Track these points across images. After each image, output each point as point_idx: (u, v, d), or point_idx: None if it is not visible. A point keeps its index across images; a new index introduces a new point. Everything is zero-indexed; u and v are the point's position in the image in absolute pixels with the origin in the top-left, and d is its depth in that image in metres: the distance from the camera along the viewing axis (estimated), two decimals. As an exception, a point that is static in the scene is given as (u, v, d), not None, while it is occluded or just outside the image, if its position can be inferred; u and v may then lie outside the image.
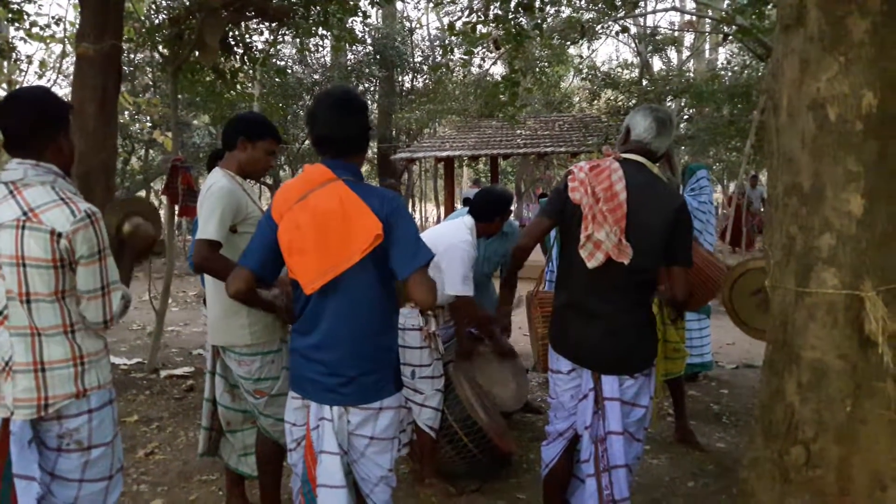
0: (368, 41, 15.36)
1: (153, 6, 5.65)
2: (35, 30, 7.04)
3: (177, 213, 5.64)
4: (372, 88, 17.06)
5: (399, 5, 16.71)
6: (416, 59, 17.26)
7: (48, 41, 7.32)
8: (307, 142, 18.08)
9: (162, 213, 6.18)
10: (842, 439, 2.00)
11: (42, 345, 2.04)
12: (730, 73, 15.17)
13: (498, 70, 16.69)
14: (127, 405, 4.78)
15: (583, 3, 8.66)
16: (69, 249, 2.01)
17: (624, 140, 2.70)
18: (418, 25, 15.95)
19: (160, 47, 5.73)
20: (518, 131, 13.26)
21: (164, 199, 5.99)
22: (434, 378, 3.51)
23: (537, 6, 4.84)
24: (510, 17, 4.78)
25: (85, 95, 4.86)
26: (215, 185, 2.88)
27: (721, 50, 19.31)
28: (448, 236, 3.61)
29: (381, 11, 15.04)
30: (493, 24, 5.08)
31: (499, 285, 4.74)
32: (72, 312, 2.08)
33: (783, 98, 2.19)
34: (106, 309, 2.11)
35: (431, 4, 19.45)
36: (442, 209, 19.18)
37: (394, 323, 2.32)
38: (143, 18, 5.80)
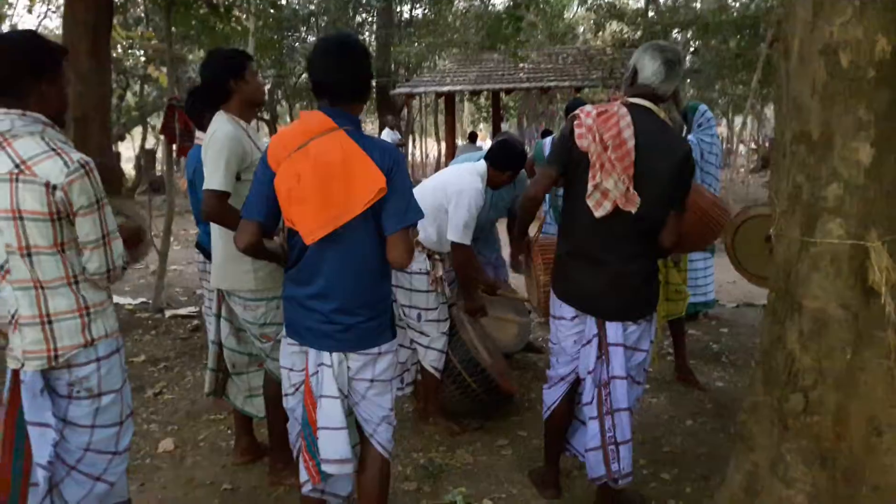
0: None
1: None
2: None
3: (174, 152, 5.57)
4: (370, 19, 16.64)
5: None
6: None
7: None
8: (304, 75, 17.78)
9: (159, 151, 6.15)
10: (840, 387, 2.03)
11: (47, 297, 2.04)
12: (738, 4, 14.76)
13: (501, 0, 16.27)
14: (133, 345, 4.85)
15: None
16: (66, 201, 1.99)
17: (631, 82, 2.63)
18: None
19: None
20: (521, 65, 12.98)
21: (161, 137, 5.92)
22: (440, 321, 3.54)
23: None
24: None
25: (76, 33, 4.74)
26: (218, 131, 2.84)
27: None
28: (459, 181, 3.57)
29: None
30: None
31: (505, 229, 4.74)
32: (73, 264, 2.08)
33: (794, 41, 2.13)
34: (108, 258, 2.11)
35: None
36: (443, 145, 18.98)
37: (389, 271, 2.33)
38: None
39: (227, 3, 5.93)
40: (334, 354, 2.23)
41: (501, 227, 4.57)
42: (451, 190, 3.56)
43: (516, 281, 4.76)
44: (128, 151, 20.24)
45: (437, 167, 20.52)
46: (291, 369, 2.36)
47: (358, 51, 2.25)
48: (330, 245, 2.17)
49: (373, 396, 2.31)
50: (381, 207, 2.14)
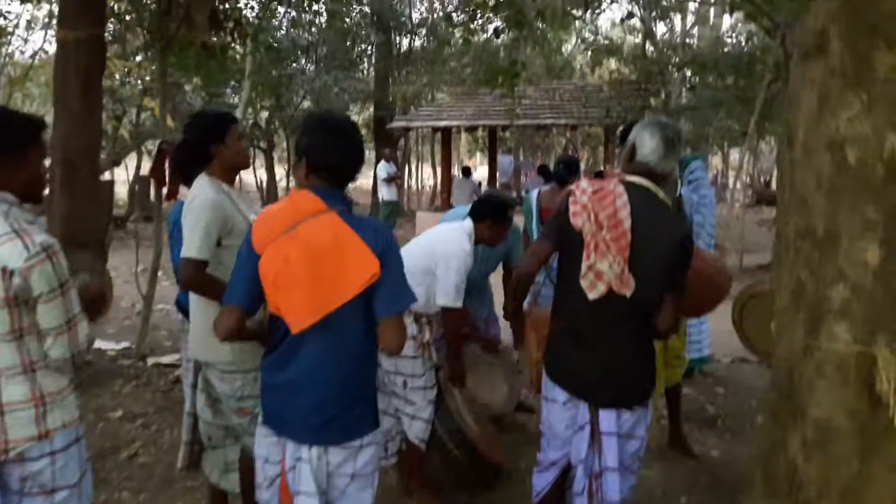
0: (365, 1, 14.95)
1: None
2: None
3: (164, 197, 5.46)
4: (369, 51, 16.68)
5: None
6: (414, 21, 16.86)
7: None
8: (303, 103, 17.78)
9: (152, 191, 6.05)
10: (846, 500, 1.91)
11: (0, 386, 1.93)
12: (734, 41, 14.84)
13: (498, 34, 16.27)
14: (112, 399, 4.70)
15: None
16: (24, 287, 1.88)
17: (629, 157, 2.54)
18: (417, -14, 15.50)
19: (146, 24, 5.48)
20: (518, 100, 12.97)
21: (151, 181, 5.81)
22: (426, 389, 3.41)
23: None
24: (511, 3, 4.56)
25: (67, 76, 4.65)
26: (199, 197, 2.76)
27: (725, 16, 18.90)
28: (447, 242, 3.48)
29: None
30: (492, 13, 4.86)
31: (502, 283, 4.63)
32: (32, 350, 1.96)
33: (799, 131, 2.04)
34: (73, 343, 2.00)
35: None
36: (438, 177, 18.96)
37: (375, 358, 2.23)
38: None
39: (222, 44, 5.87)
40: (314, 448, 2.10)
41: (494, 280, 4.47)
42: (439, 252, 3.46)
43: (509, 338, 4.63)
44: (122, 175, 20.18)
45: (433, 197, 20.48)
46: (267, 460, 2.24)
47: (358, 133, 2.22)
48: (315, 330, 2.06)
49: (354, 492, 2.17)
50: (374, 291, 2.04)
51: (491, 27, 5.33)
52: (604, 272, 2.33)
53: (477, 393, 3.91)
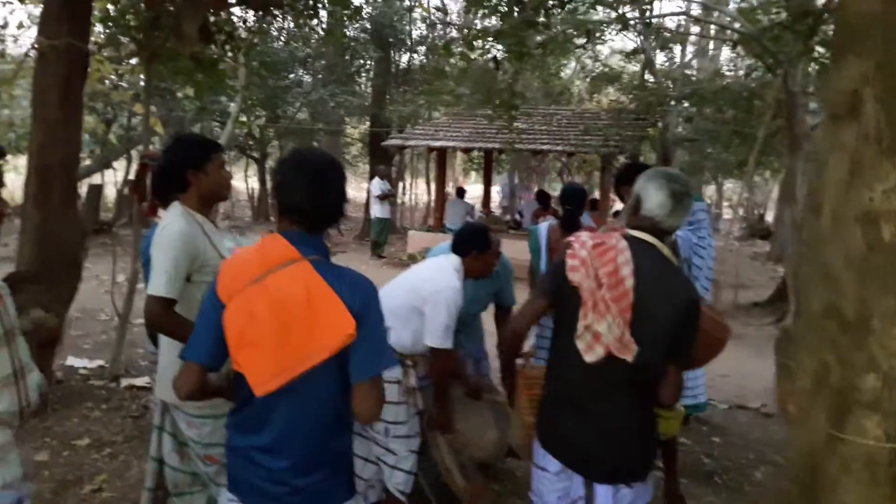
0: (364, 16, 14.83)
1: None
2: None
3: (144, 212, 5.26)
4: (367, 66, 16.57)
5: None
6: (413, 38, 16.78)
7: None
8: (298, 114, 17.61)
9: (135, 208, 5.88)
10: None
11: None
12: (734, 74, 14.83)
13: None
14: (80, 423, 4.45)
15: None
16: None
17: (633, 210, 2.36)
18: (417, 4, 15.40)
19: (133, 33, 5.29)
20: (514, 124, 12.87)
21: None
22: (410, 437, 3.21)
23: (541, 21, 4.47)
24: (513, 34, 4.42)
25: (46, 83, 4.46)
26: (169, 227, 2.58)
27: (725, 48, 18.95)
28: (434, 280, 3.29)
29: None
30: (493, 41, 4.72)
31: (494, 320, 4.43)
32: None
33: (827, 199, 1.87)
34: (21, 395, 1.80)
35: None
36: (433, 195, 18.82)
37: (350, 422, 2.02)
38: (116, 2, 5.35)
39: (213, 57, 5.69)
40: None
41: (485, 315, 4.29)
42: (426, 290, 3.27)
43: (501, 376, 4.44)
44: (111, 177, 19.92)
45: (427, 212, 20.32)
46: (231, 529, 2.03)
47: (340, 175, 2.00)
48: (283, 393, 1.85)
49: None
50: (349, 351, 1.84)
51: (489, 53, 5.21)
52: (602, 334, 2.15)
53: (464, 439, 3.71)
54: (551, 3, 4.25)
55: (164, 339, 2.69)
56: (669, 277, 2.25)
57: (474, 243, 3.39)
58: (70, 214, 4.66)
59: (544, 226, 4.93)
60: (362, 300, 1.86)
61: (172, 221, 2.59)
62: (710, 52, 19.00)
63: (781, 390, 2.47)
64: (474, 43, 4.76)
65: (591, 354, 2.17)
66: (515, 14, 4.22)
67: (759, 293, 11.82)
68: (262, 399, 1.87)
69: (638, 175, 3.60)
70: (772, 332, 8.98)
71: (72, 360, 5.73)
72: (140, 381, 5.28)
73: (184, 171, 2.66)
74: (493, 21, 5.59)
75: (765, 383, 6.21)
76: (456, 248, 3.41)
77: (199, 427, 2.61)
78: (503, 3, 4.30)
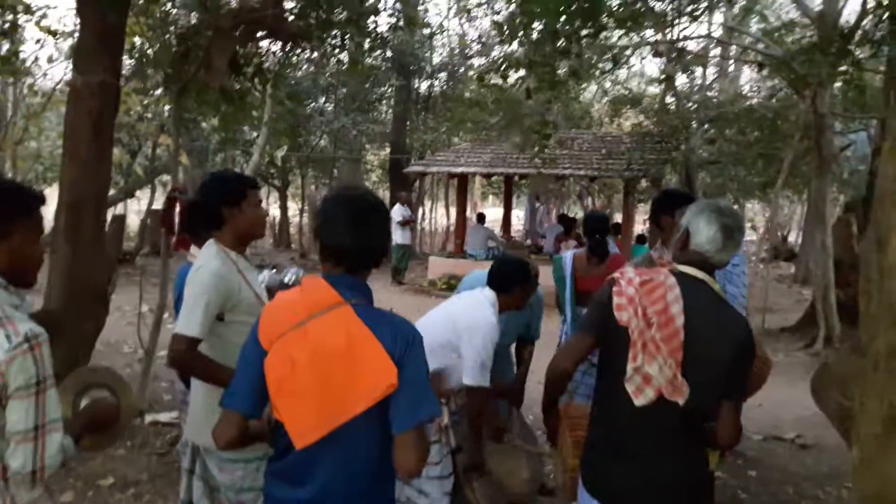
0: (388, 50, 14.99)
1: (159, 21, 5.26)
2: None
3: (173, 246, 5.26)
4: (387, 94, 16.68)
5: (419, 9, 16.30)
6: (433, 65, 16.89)
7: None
8: (320, 141, 17.73)
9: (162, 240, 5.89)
10: None
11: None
12: (757, 96, 14.71)
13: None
14: (104, 461, 4.39)
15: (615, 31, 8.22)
16: (1, 384, 1.63)
17: (681, 245, 2.26)
18: (438, 31, 15.53)
19: (163, 66, 5.34)
20: (535, 148, 12.84)
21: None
22: (443, 478, 3.13)
23: (574, 52, 4.44)
24: (546, 63, 4.39)
25: (78, 121, 4.50)
26: (204, 268, 2.55)
27: (745, 69, 18.84)
28: (471, 315, 3.22)
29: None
30: (526, 70, 4.68)
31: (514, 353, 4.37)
32: (3, 455, 1.69)
33: (891, 234, 1.79)
34: (37, 456, 1.70)
35: (454, 9, 19.04)
36: (452, 220, 18.80)
37: (394, 473, 1.94)
38: (146, 36, 5.41)
39: (242, 90, 5.72)
40: None
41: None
42: (461, 326, 3.20)
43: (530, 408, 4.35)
44: (134, 205, 20.16)
45: (446, 237, 20.29)
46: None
47: (383, 215, 1.94)
48: (324, 444, 1.79)
49: None
50: (390, 400, 1.77)
51: (522, 82, 5.19)
52: (653, 376, 2.05)
53: (497, 479, 3.61)
54: (585, 32, 4.23)
55: (196, 381, 2.65)
56: (721, 315, 2.16)
57: (517, 280, 3.31)
58: (99, 249, 4.67)
59: (569, 254, 4.84)
60: (403, 345, 1.80)
61: (207, 260, 2.57)
62: (731, 74, 18.92)
63: (842, 430, 2.36)
64: (508, 73, 4.75)
65: (642, 398, 2.08)
66: (547, 44, 4.21)
67: (786, 317, 11.57)
68: (304, 449, 1.81)
69: (677, 204, 3.54)
70: (803, 358, 8.77)
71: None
72: (165, 417, 5.23)
73: (219, 208, 2.63)
74: (515, 47, 5.58)
75: (799, 412, 6.04)
76: (496, 283, 3.32)
77: (232, 472, 2.56)
78: (536, 32, 4.28)
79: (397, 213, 13.93)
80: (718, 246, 2.18)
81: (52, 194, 4.63)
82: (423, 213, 21.41)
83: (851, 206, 10.33)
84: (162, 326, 5.70)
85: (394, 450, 1.78)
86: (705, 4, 6.45)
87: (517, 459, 3.93)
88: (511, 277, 3.33)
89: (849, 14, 9.46)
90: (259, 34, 5.30)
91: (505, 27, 4.68)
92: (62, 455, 1.75)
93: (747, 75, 20.11)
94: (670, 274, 2.18)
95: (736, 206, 24.89)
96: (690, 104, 13.88)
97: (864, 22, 8.01)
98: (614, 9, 4.41)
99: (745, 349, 2.13)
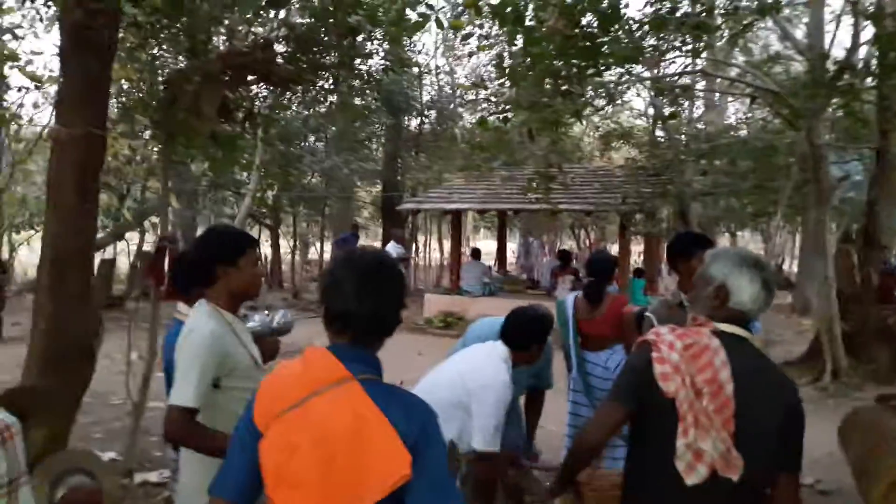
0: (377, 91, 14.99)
1: (146, 65, 5.12)
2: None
3: (161, 296, 5.06)
4: (378, 132, 16.65)
5: (408, 49, 16.37)
6: (423, 102, 16.91)
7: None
8: (311, 180, 17.63)
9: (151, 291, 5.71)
10: None
11: None
12: (748, 127, 14.75)
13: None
14: (92, 531, 4.13)
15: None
16: None
17: (718, 303, 2.04)
18: (427, 71, 15.58)
19: (150, 112, 5.19)
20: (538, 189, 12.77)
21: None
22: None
23: (576, 93, 4.34)
24: (547, 105, 4.29)
25: (61, 173, 4.30)
26: (196, 331, 2.36)
27: (730, 101, 18.98)
28: (482, 373, 3.02)
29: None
30: (528, 112, 4.58)
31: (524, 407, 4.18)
32: None
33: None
34: None
35: (441, 49, 19.15)
36: (446, 255, 18.65)
37: None
38: (132, 81, 5.27)
39: (231, 134, 5.57)
40: None
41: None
42: (472, 385, 3.00)
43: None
44: (122, 246, 19.90)
45: (441, 273, 20.12)
46: None
47: (394, 277, 1.75)
48: None
49: None
50: (403, 493, 1.55)
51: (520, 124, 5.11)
52: (705, 451, 1.86)
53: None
54: (590, 72, 4.14)
55: (185, 452, 2.44)
56: (769, 376, 1.98)
57: (536, 338, 3.12)
58: (85, 304, 4.44)
59: (571, 297, 4.69)
60: (419, 428, 1.59)
61: (200, 324, 2.38)
62: (718, 106, 19.04)
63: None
64: (509, 115, 4.65)
65: (694, 476, 1.87)
66: (549, 84, 4.12)
67: (789, 349, 11.40)
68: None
69: (695, 247, 3.37)
70: (811, 393, 8.57)
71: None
72: (155, 477, 4.97)
73: (213, 265, 2.45)
74: (511, 88, 5.50)
75: (815, 455, 5.83)
76: (512, 340, 3.12)
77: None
78: (538, 73, 4.18)
79: (391, 250, 13.78)
80: (761, 304, 2.02)
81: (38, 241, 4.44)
82: (417, 249, 21.25)
83: (849, 236, 10.25)
84: (152, 376, 5.48)
85: None
86: (704, 39, 6.40)
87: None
88: (529, 335, 3.14)
89: (835, 46, 9.50)
90: (249, 78, 5.16)
91: (506, 69, 4.59)
92: None
93: (734, 107, 20.31)
94: (713, 335, 1.99)
95: (728, 236, 24.96)
96: (681, 137, 13.90)
97: (855, 56, 8.02)
98: (614, 49, 4.33)
99: (797, 415, 1.96)
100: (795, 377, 9.70)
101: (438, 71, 17.85)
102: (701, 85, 13.67)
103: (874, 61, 7.21)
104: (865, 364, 8.84)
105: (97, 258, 15.84)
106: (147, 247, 17.06)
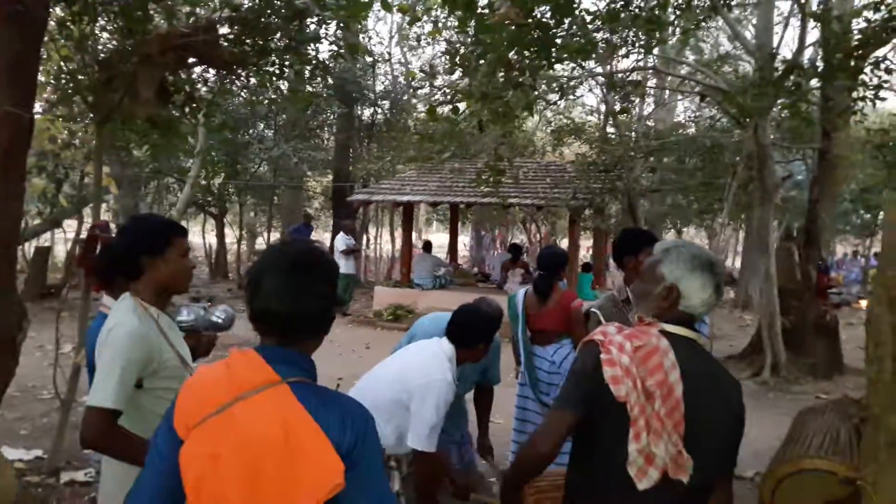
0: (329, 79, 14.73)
1: (78, 42, 4.84)
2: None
3: (93, 287, 4.80)
4: (329, 121, 16.37)
5: (361, 37, 16.13)
6: (376, 92, 16.71)
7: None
8: (259, 168, 17.24)
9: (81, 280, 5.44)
10: None
11: None
12: (694, 125, 15.03)
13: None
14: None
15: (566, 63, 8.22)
16: None
17: (668, 304, 1.97)
18: (381, 59, 15.38)
19: (85, 94, 4.92)
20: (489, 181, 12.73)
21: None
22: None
23: (527, 84, 4.27)
24: (499, 96, 4.21)
25: (-18, 154, 4.02)
26: (118, 327, 2.20)
27: (679, 100, 19.33)
28: (425, 372, 2.93)
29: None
30: (478, 103, 4.48)
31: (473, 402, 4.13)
32: None
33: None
34: None
35: (396, 38, 18.97)
36: (398, 247, 18.50)
37: None
38: (65, 60, 4.99)
39: (170, 118, 5.34)
40: None
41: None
42: (413, 383, 2.91)
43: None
44: (60, 234, 19.18)
45: (391, 265, 19.96)
46: None
47: (325, 271, 1.61)
48: None
49: None
50: (338, 501, 1.44)
51: (473, 115, 5.00)
52: (657, 455, 1.80)
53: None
54: (543, 63, 4.07)
55: (106, 458, 2.29)
56: (718, 378, 1.94)
57: (483, 336, 3.04)
58: (7, 296, 4.18)
59: (522, 292, 4.66)
60: (354, 435, 1.48)
61: (123, 320, 2.21)
62: (668, 104, 19.37)
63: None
64: (459, 106, 4.56)
65: (646, 481, 1.80)
66: (500, 75, 4.04)
67: (731, 344, 11.67)
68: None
69: (641, 244, 3.34)
70: (752, 387, 8.76)
71: (6, 451, 5.13)
72: (82, 476, 4.73)
73: (138, 257, 2.29)
74: (463, 77, 5.41)
75: (755, 447, 5.92)
76: (458, 337, 3.03)
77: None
78: (489, 64, 4.09)
79: (341, 242, 13.58)
80: (711, 306, 1.97)
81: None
82: (368, 241, 21.03)
83: (790, 234, 10.52)
84: (81, 370, 5.22)
85: None
86: (656, 36, 6.42)
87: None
88: (476, 333, 3.06)
89: (783, 46, 9.70)
90: (190, 61, 4.94)
91: (457, 58, 4.49)
92: None
93: (682, 105, 20.70)
94: (661, 336, 1.92)
95: (675, 232, 25.47)
96: (631, 133, 14.07)
97: (801, 56, 8.18)
98: (567, 41, 4.28)
99: (741, 415, 1.92)
100: (737, 371, 9.94)
101: (392, 59, 17.67)
102: (652, 82, 13.82)
103: (819, 62, 7.36)
104: (804, 358, 9.09)
105: (32, 245, 15.22)
106: (83, 236, 16.47)
